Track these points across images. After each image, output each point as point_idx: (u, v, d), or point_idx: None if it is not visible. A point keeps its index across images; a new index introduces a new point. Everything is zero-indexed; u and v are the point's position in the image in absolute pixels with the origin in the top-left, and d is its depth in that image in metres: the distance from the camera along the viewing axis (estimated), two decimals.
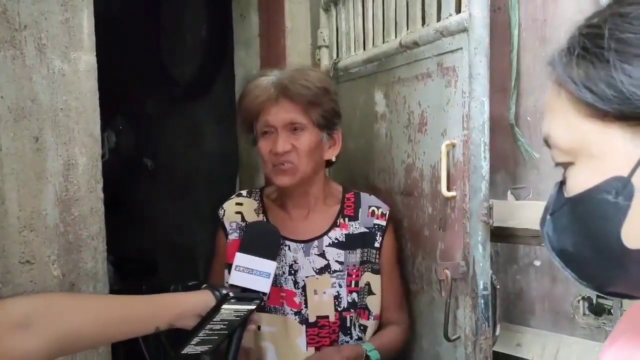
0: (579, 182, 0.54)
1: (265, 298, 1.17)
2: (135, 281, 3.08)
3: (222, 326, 1.08)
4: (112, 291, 1.38)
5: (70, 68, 1.25)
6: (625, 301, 1.37)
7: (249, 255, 1.17)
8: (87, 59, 1.28)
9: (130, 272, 3.17)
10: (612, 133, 0.52)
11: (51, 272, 1.22)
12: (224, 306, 1.05)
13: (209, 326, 1.05)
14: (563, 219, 0.57)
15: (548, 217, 0.58)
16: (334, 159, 1.49)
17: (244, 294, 1.13)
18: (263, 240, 1.21)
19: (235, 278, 1.16)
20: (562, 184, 0.59)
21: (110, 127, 3.48)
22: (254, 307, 1.13)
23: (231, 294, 1.08)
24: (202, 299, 1.07)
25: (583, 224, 0.55)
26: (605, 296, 1.44)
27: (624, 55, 0.50)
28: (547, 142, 0.58)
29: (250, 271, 1.16)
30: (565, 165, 0.56)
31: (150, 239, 3.61)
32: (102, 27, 1.31)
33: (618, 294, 0.59)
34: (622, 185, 0.51)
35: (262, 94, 1.38)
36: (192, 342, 1.06)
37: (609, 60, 0.51)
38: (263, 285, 1.16)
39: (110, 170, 1.50)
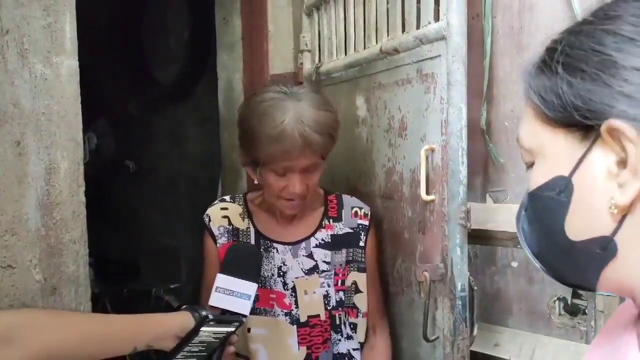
0: (534, 180, 0.61)
1: (244, 320, 1.18)
2: (117, 284, 3.06)
3: (200, 348, 1.08)
4: (93, 294, 1.38)
5: (53, 72, 1.25)
6: (599, 301, 1.41)
7: (230, 277, 1.17)
8: (69, 63, 1.28)
9: (112, 275, 3.15)
10: (558, 137, 0.57)
11: (33, 277, 1.21)
12: (203, 328, 1.06)
13: (187, 347, 1.05)
14: (530, 214, 0.63)
15: (523, 212, 0.63)
16: None
17: (223, 317, 1.14)
18: (244, 262, 1.22)
19: (215, 299, 1.16)
20: None
21: (92, 128, 3.46)
22: (233, 329, 1.13)
23: (210, 316, 1.08)
24: (182, 320, 1.07)
25: (536, 219, 0.61)
26: (580, 294, 1.48)
27: (569, 68, 0.55)
28: (518, 143, 0.64)
29: (231, 292, 1.16)
30: (529, 165, 0.62)
31: (131, 241, 3.59)
32: (85, 29, 1.31)
33: (577, 286, 0.63)
34: (564, 184, 0.57)
35: (290, 147, 1.32)
36: None
37: (557, 72, 0.56)
38: (243, 307, 1.17)
39: (92, 172, 1.50)
